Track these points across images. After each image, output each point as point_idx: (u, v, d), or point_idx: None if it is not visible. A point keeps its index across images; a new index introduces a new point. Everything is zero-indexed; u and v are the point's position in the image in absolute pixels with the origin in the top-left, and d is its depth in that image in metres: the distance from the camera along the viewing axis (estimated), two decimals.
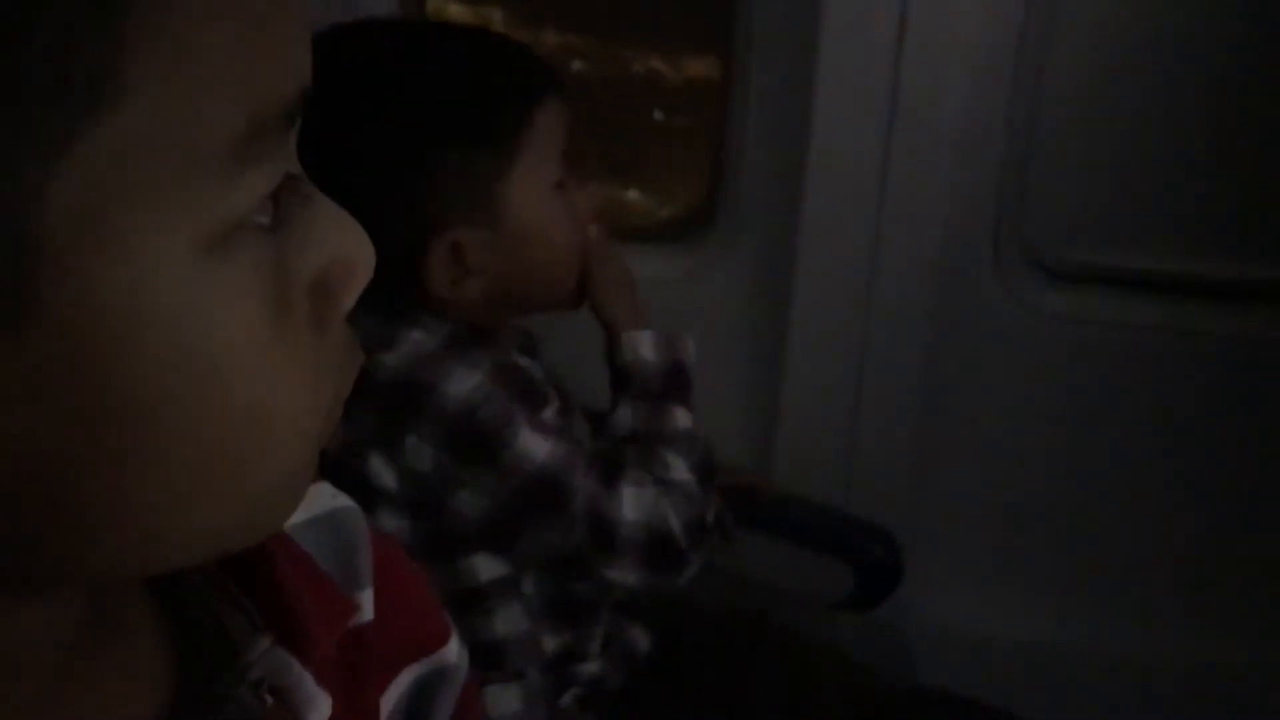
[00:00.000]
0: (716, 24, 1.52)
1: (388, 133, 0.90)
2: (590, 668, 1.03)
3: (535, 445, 0.89)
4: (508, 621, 0.96)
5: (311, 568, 0.44)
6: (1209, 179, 1.20)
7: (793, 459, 1.27)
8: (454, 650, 0.57)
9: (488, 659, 0.95)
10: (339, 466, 0.89)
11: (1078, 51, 1.19)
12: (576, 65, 3.03)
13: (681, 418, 1.02)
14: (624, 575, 0.94)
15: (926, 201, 1.17)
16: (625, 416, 1.01)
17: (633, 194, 2.61)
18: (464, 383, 0.88)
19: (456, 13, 2.60)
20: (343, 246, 0.35)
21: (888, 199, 1.17)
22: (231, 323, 0.31)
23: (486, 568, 0.95)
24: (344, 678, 0.47)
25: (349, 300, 0.36)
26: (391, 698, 0.53)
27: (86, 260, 0.28)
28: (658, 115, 2.80)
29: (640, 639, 1.10)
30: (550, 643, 0.98)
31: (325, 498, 0.50)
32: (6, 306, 0.27)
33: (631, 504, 0.93)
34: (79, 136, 0.27)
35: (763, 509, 1.20)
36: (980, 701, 1.14)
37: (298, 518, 0.47)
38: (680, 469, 0.97)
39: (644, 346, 1.03)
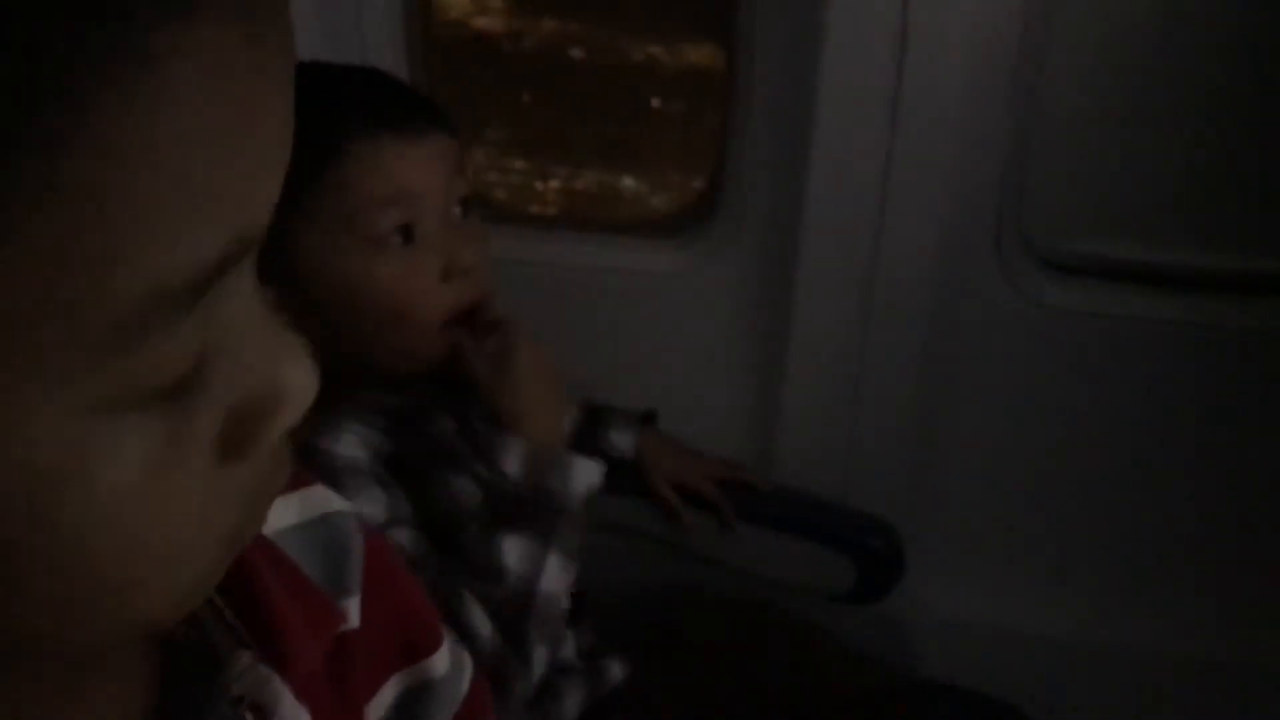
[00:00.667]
0: (717, 12, 1.51)
1: None
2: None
3: None
4: None
5: (298, 579, 0.45)
6: (1209, 171, 1.19)
7: (793, 453, 1.27)
8: (443, 661, 0.56)
9: None
10: None
11: (1078, 44, 1.17)
12: (575, 52, 3.02)
13: (510, 553, 0.86)
14: None
15: (927, 194, 1.16)
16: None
17: (627, 181, 2.60)
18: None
19: (458, 1, 2.59)
20: (270, 382, 0.34)
21: (889, 192, 1.16)
22: (116, 477, 0.30)
23: None
24: (330, 686, 0.48)
25: (271, 436, 0.34)
26: (379, 706, 0.53)
27: None
28: (654, 103, 2.79)
29: (614, 669, 1.04)
30: None
31: (319, 501, 0.50)
32: None
33: None
34: None
35: (764, 503, 1.20)
36: (981, 693, 1.15)
37: (288, 522, 0.48)
38: (474, 618, 0.84)
39: (511, 458, 0.89)
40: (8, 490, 0.29)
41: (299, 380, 0.35)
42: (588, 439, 1.17)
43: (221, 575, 0.37)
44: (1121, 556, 1.30)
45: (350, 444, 0.86)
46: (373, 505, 0.84)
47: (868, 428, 1.24)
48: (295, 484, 0.49)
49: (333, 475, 0.83)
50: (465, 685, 0.59)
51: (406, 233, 0.85)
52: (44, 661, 0.37)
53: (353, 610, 0.49)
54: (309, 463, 0.83)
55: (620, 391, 1.21)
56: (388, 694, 0.54)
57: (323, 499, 0.50)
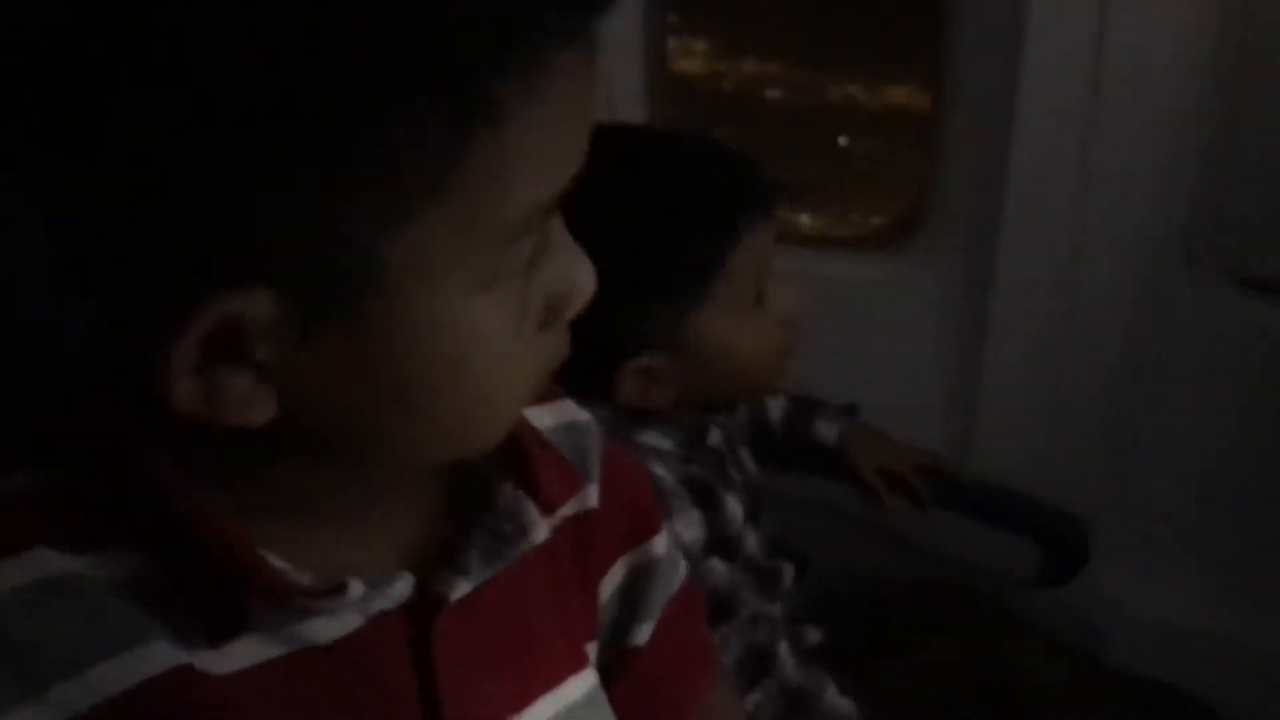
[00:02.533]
0: (919, 53, 1.61)
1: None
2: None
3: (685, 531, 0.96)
4: None
5: (554, 452, 0.60)
6: None
7: (991, 451, 1.36)
8: (662, 544, 0.70)
9: None
10: None
11: (1274, 63, 1.24)
12: (772, 93, 3.14)
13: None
14: None
15: (1121, 213, 1.25)
16: None
17: (804, 219, 2.69)
18: (660, 444, 0.97)
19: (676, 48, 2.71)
20: (573, 280, 0.51)
21: (1086, 211, 1.25)
22: (490, 334, 0.47)
23: None
24: (573, 560, 0.64)
25: (570, 314, 0.52)
26: (610, 584, 0.68)
27: (407, 291, 0.44)
28: (842, 141, 2.89)
29: (811, 634, 1.15)
30: None
31: (569, 410, 0.67)
32: (345, 307, 0.44)
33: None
34: (417, 213, 0.42)
35: (958, 490, 1.30)
36: (1169, 685, 1.21)
37: (549, 422, 0.64)
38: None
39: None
40: (432, 347, 0.46)
41: (586, 279, 0.52)
42: (797, 429, 1.29)
43: (485, 449, 0.53)
44: None
45: (671, 467, 0.99)
46: (691, 528, 0.97)
47: (1062, 431, 1.33)
48: (548, 398, 0.65)
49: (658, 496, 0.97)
50: (680, 575, 0.72)
51: (759, 297, 1.00)
52: (393, 475, 0.54)
53: (592, 493, 0.64)
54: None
55: (828, 391, 1.32)
56: (618, 573, 0.68)
57: (570, 410, 0.67)
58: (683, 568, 0.73)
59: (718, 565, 0.99)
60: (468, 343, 0.46)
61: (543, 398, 0.64)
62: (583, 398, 1.00)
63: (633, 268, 0.93)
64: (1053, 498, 1.32)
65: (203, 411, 0.44)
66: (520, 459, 0.57)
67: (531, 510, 0.56)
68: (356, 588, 0.50)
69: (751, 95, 3.07)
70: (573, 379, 1.00)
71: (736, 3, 2.66)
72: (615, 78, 1.42)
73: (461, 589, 0.54)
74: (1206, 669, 1.27)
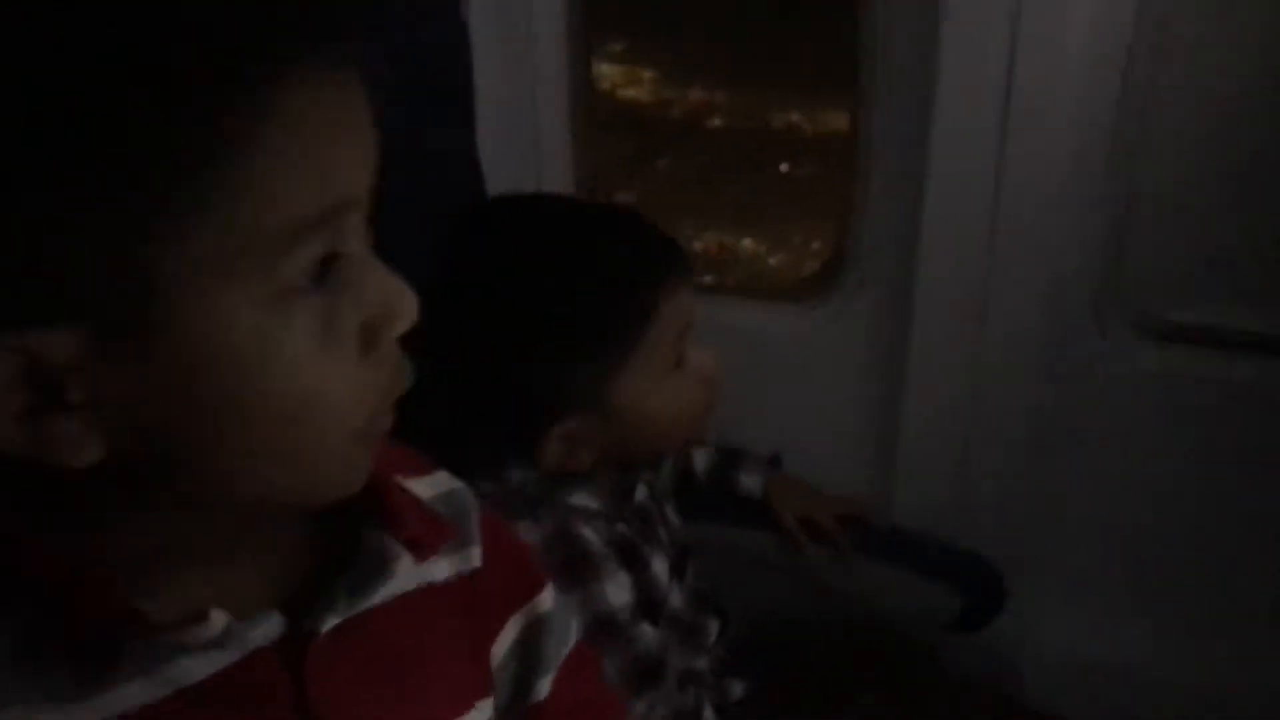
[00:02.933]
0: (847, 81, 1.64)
1: (505, 332, 0.96)
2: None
3: (616, 596, 0.97)
4: None
5: (423, 506, 0.64)
6: None
7: (909, 498, 1.40)
8: (550, 598, 0.73)
9: None
10: None
11: (1178, 113, 1.28)
12: (716, 121, 3.17)
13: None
14: None
15: (1030, 262, 1.29)
16: None
17: (746, 242, 2.71)
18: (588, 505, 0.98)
19: (610, 73, 2.75)
20: (387, 301, 0.52)
21: (994, 259, 1.29)
22: (288, 351, 0.48)
23: None
24: (466, 621, 0.66)
25: (390, 337, 0.52)
26: (504, 642, 0.70)
27: (190, 307, 0.45)
28: (783, 168, 2.93)
29: (736, 688, 1.17)
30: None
31: (445, 480, 0.69)
32: (135, 326, 0.45)
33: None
34: (186, 228, 0.44)
35: (878, 537, 1.33)
36: None
37: (428, 493, 0.67)
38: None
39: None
40: (229, 361, 0.47)
41: (400, 301, 0.53)
42: (722, 480, 1.32)
43: (365, 464, 0.54)
44: (1219, 605, 1.38)
45: (599, 529, 1.01)
46: (620, 591, 0.98)
47: (977, 476, 1.37)
48: (424, 470, 0.68)
49: (586, 560, 0.97)
50: (574, 630, 0.74)
51: (679, 360, 1.02)
52: (242, 512, 0.54)
53: (476, 554, 0.67)
54: (561, 549, 0.97)
55: (750, 440, 1.35)
56: (511, 631, 0.70)
57: (446, 479, 0.69)
58: (575, 624, 0.76)
59: (647, 630, 1.01)
60: (263, 359, 0.48)
61: (419, 470, 0.67)
62: (506, 462, 1.03)
63: (556, 333, 0.97)
64: (971, 542, 1.35)
65: (32, 455, 0.46)
66: (386, 507, 0.59)
67: (395, 548, 0.59)
68: (219, 617, 0.51)
69: (696, 123, 3.08)
70: (495, 444, 1.04)
71: (683, 31, 2.67)
72: (540, 106, 1.45)
73: (330, 621, 0.56)
74: (1128, 707, 1.31)
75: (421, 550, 0.60)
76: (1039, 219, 1.27)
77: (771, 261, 2.76)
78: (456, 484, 0.69)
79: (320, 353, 0.49)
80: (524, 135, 1.45)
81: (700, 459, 1.32)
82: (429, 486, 0.67)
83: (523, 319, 0.96)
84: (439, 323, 0.99)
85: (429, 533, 0.62)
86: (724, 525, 1.33)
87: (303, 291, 0.48)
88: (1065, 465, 1.38)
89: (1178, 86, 1.27)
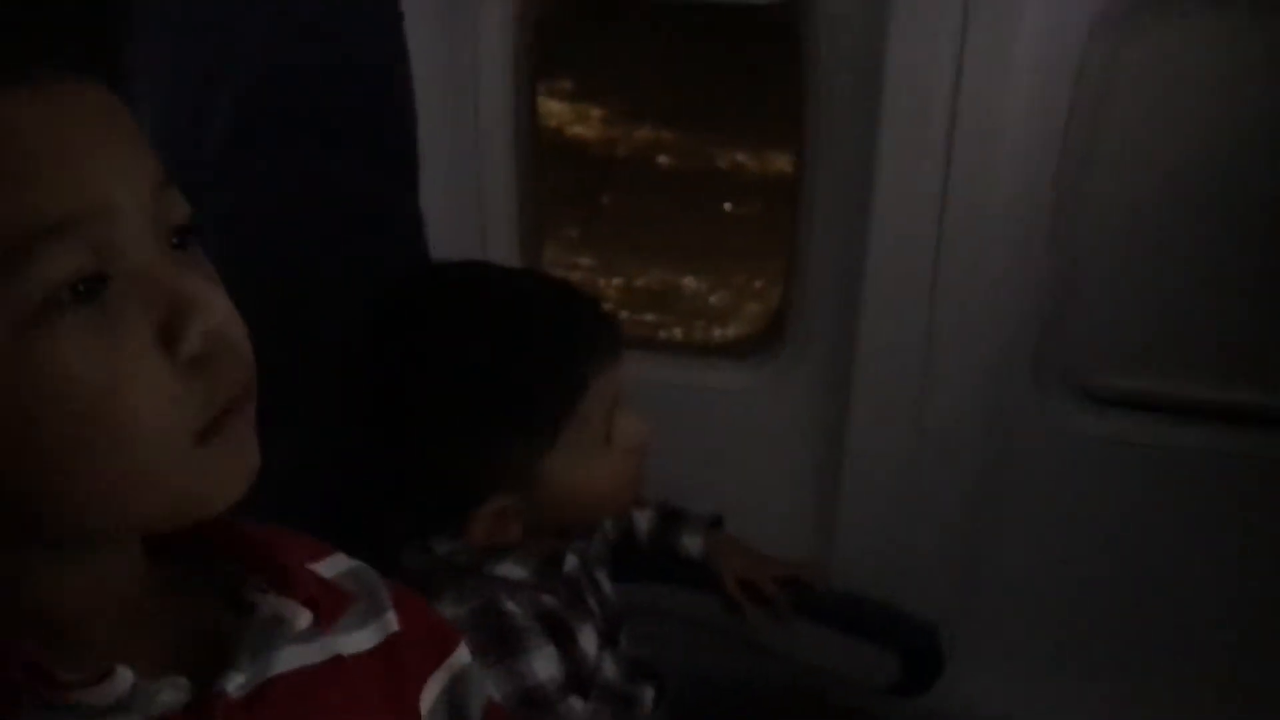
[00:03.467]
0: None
1: (434, 413, 0.95)
2: None
3: (544, 669, 0.96)
4: None
5: (322, 579, 0.65)
6: (1242, 308, 1.30)
7: (849, 560, 1.40)
8: (466, 652, 0.75)
9: None
10: None
11: (1116, 183, 1.29)
12: (663, 159, 3.18)
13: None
14: None
15: (971, 327, 1.30)
16: None
17: (688, 279, 2.72)
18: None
19: (559, 110, 2.74)
20: (177, 301, 0.50)
21: (935, 322, 1.29)
22: (62, 371, 0.47)
23: None
24: (387, 684, 0.67)
25: (191, 335, 0.51)
26: (428, 698, 0.71)
27: None
28: (726, 207, 2.95)
29: None
30: None
31: (343, 560, 0.70)
32: None
33: None
34: None
35: (817, 600, 1.33)
36: None
37: (330, 574, 0.67)
38: None
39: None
40: (13, 384, 0.47)
41: (198, 290, 0.51)
42: (663, 541, 1.31)
43: (231, 466, 0.54)
44: (1158, 667, 1.39)
45: (524, 602, 1.00)
46: (547, 665, 0.97)
47: (918, 539, 1.37)
48: (321, 553, 0.68)
49: (512, 634, 0.96)
50: (487, 686, 0.77)
51: (608, 435, 1.02)
52: (66, 543, 0.54)
53: (392, 620, 0.69)
54: (487, 624, 0.96)
55: (691, 496, 1.35)
56: (434, 687, 0.72)
57: (344, 560, 0.70)
58: (487, 682, 0.79)
59: (576, 704, 0.99)
60: (39, 381, 0.47)
61: (316, 554, 0.68)
62: (433, 534, 1.02)
63: (485, 413, 0.96)
64: (910, 604, 1.36)
65: None
66: (280, 572, 0.61)
67: (292, 607, 0.60)
68: (125, 674, 0.51)
69: (643, 161, 3.09)
70: (422, 518, 1.02)
71: (632, 71, 2.68)
72: (485, 140, 1.44)
73: (234, 680, 0.56)
74: None
75: (322, 611, 0.61)
76: (981, 282, 1.28)
77: (712, 300, 2.77)
78: (354, 562, 0.70)
79: (106, 360, 0.48)
80: (468, 173, 1.44)
81: (642, 520, 1.31)
82: (329, 568, 0.68)
83: (455, 397, 0.95)
84: (369, 394, 0.98)
85: (328, 598, 0.62)
86: (665, 587, 1.32)
87: (68, 307, 0.47)
88: (1005, 528, 1.39)
89: (1117, 153, 1.28)
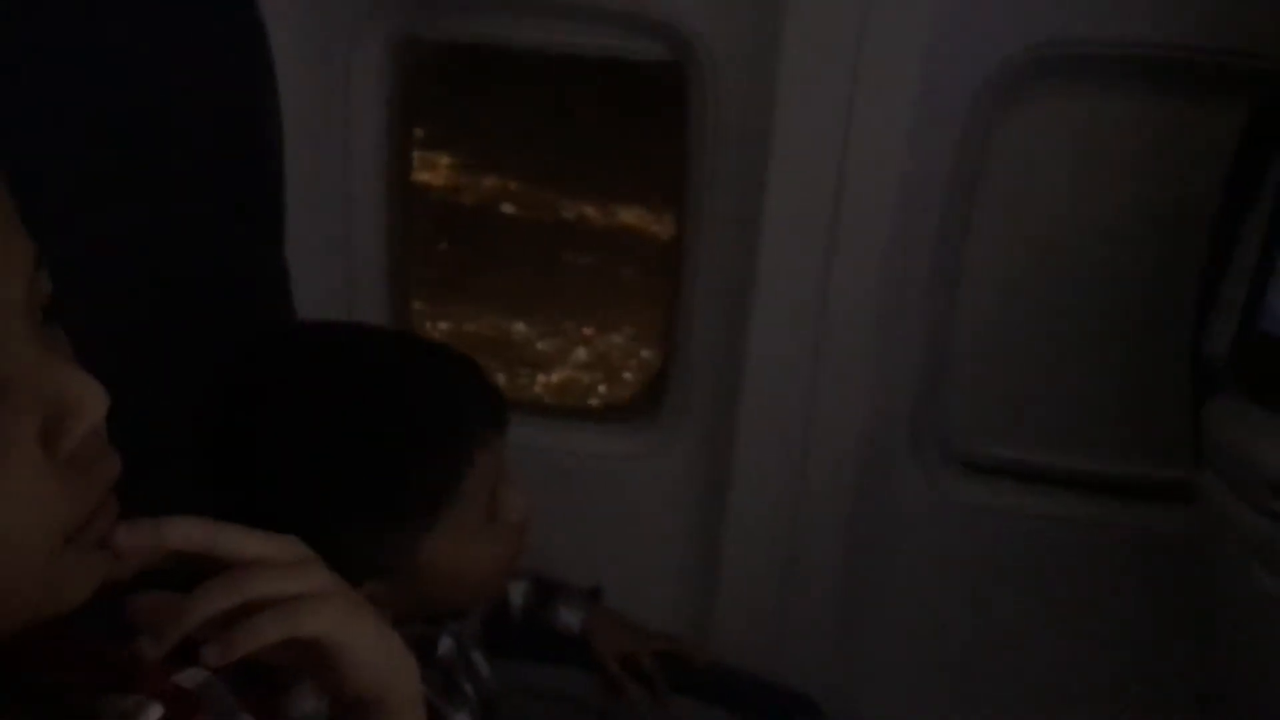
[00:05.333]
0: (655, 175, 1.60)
1: (304, 491, 0.86)
2: None
3: None
4: None
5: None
6: (1111, 383, 1.33)
7: (728, 628, 1.37)
8: None
9: None
10: None
11: (991, 257, 1.31)
12: (507, 208, 3.16)
13: None
14: None
15: (849, 397, 1.29)
16: None
17: (519, 326, 2.71)
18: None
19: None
20: (63, 401, 0.47)
21: (815, 392, 1.28)
22: None
23: None
24: None
25: (75, 436, 0.47)
26: None
27: None
28: (566, 256, 2.95)
29: None
30: None
31: (200, 672, 0.64)
32: None
33: None
34: None
35: (696, 676, 1.29)
36: None
37: (187, 684, 0.63)
38: None
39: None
40: None
41: (82, 388, 0.48)
42: (539, 614, 1.25)
43: (95, 567, 0.50)
44: None
45: None
46: None
47: (796, 607, 1.35)
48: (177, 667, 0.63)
49: None
50: None
51: (491, 510, 0.95)
52: None
53: None
54: None
55: (566, 565, 1.29)
56: None
57: (201, 672, 0.64)
58: None
59: None
60: None
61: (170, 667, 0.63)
62: None
63: (363, 496, 0.87)
64: (788, 673, 1.33)
65: None
66: (126, 669, 0.58)
67: (137, 701, 0.57)
68: None
69: (487, 210, 3.08)
70: None
71: (482, 120, 2.66)
72: (355, 190, 1.37)
73: None
74: None
75: (174, 706, 0.58)
76: (859, 351, 1.28)
77: (540, 345, 2.76)
78: (206, 673, 0.65)
79: None
80: (335, 224, 1.36)
81: (516, 593, 1.25)
82: (186, 680, 0.63)
83: (318, 477, 0.86)
84: (221, 468, 0.88)
85: (179, 698, 0.60)
86: (539, 664, 1.26)
87: None
88: (885, 595, 1.39)
89: (995, 223, 1.30)
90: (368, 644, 0.60)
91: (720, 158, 1.28)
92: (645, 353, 2.46)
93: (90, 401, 0.48)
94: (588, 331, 2.62)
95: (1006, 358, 1.33)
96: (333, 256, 1.37)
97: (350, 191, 1.35)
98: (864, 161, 1.21)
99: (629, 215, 3.08)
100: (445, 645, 1.02)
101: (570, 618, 1.25)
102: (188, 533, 0.55)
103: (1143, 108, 1.23)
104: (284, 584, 0.57)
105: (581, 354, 2.74)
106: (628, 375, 2.53)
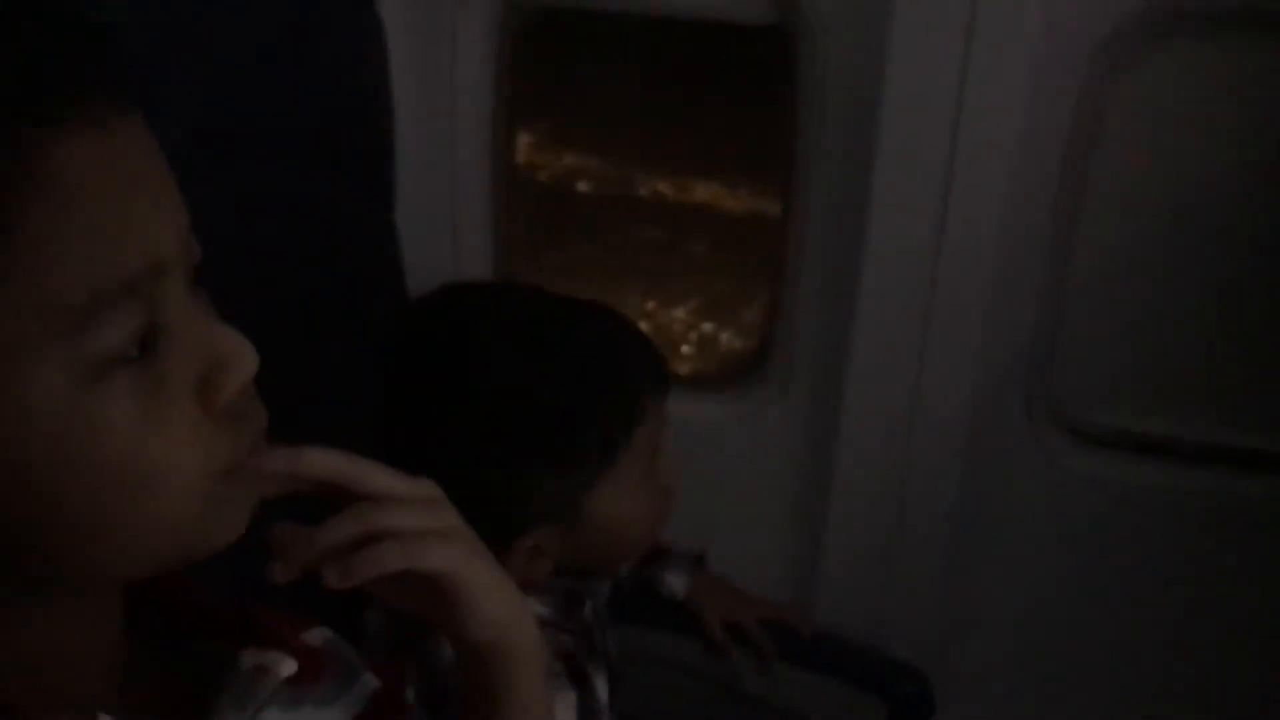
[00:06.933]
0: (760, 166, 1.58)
1: (480, 439, 0.91)
2: None
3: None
4: None
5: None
6: (1234, 350, 1.29)
7: (833, 597, 1.35)
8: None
9: None
10: None
11: (1110, 219, 1.27)
12: (582, 185, 3.16)
13: None
14: None
15: (961, 362, 1.26)
16: None
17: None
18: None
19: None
20: (217, 358, 0.50)
21: (925, 358, 1.26)
22: (115, 424, 0.46)
23: None
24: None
25: (229, 390, 0.50)
26: None
27: (4, 384, 0.44)
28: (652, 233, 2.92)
29: None
30: None
31: (325, 631, 0.68)
32: None
33: None
34: None
35: (803, 645, 1.28)
36: None
37: (312, 643, 0.66)
38: None
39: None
40: (52, 443, 0.45)
41: (235, 346, 0.51)
42: (645, 579, 1.25)
43: (245, 500, 0.53)
44: (1151, 709, 1.36)
45: (546, 637, 0.93)
46: (564, 712, 0.91)
47: (902, 578, 1.33)
48: (300, 626, 0.66)
49: None
50: None
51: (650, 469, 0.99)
52: (67, 591, 0.53)
53: (369, 679, 0.67)
54: None
55: (671, 531, 1.29)
56: None
57: (325, 631, 0.68)
58: None
59: None
60: (90, 436, 0.46)
61: (296, 627, 0.66)
62: None
63: (539, 443, 0.91)
64: (895, 645, 1.32)
65: None
66: (261, 629, 0.61)
67: (273, 657, 0.59)
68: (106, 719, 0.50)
69: (563, 187, 3.08)
70: None
71: (565, 98, 2.66)
72: (460, 173, 1.38)
73: None
74: None
75: (304, 664, 0.60)
76: (974, 317, 1.25)
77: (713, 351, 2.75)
78: (331, 633, 0.69)
79: (153, 421, 0.48)
80: (442, 193, 1.37)
81: None
82: (312, 638, 0.67)
83: (503, 421, 0.91)
84: (397, 419, 0.91)
85: (310, 655, 0.62)
86: (645, 629, 1.25)
87: (122, 363, 0.47)
88: (994, 568, 1.36)
89: (1115, 186, 1.26)
90: (488, 588, 0.61)
91: (829, 123, 1.26)
92: (707, 326, 2.44)
93: (242, 358, 0.51)
94: (650, 306, 2.62)
95: (1124, 325, 1.30)
96: (439, 225, 1.37)
97: (456, 157, 1.36)
98: (978, 125, 1.17)
99: (704, 191, 3.07)
100: (588, 607, 1.04)
101: (676, 583, 1.25)
102: (326, 460, 0.58)
103: (1262, 64, 1.18)
104: (410, 519, 0.59)
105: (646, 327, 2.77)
106: (686, 349, 2.52)
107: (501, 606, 0.62)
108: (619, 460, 0.94)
